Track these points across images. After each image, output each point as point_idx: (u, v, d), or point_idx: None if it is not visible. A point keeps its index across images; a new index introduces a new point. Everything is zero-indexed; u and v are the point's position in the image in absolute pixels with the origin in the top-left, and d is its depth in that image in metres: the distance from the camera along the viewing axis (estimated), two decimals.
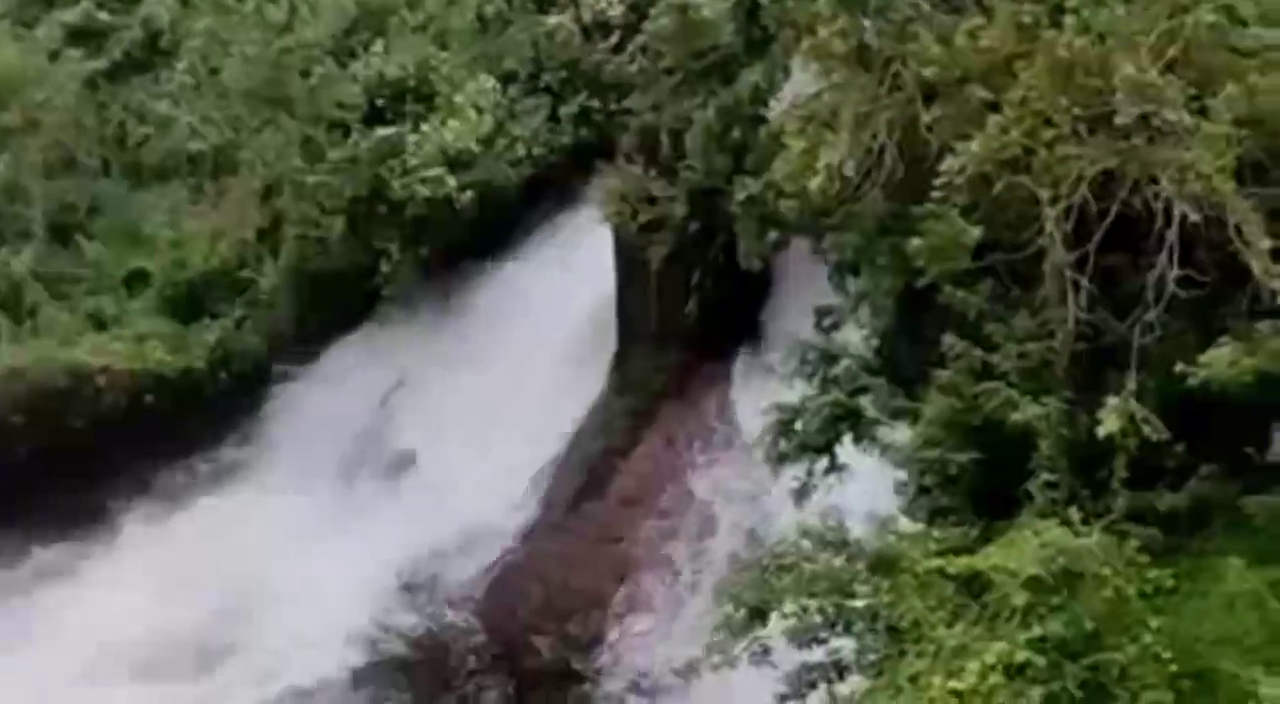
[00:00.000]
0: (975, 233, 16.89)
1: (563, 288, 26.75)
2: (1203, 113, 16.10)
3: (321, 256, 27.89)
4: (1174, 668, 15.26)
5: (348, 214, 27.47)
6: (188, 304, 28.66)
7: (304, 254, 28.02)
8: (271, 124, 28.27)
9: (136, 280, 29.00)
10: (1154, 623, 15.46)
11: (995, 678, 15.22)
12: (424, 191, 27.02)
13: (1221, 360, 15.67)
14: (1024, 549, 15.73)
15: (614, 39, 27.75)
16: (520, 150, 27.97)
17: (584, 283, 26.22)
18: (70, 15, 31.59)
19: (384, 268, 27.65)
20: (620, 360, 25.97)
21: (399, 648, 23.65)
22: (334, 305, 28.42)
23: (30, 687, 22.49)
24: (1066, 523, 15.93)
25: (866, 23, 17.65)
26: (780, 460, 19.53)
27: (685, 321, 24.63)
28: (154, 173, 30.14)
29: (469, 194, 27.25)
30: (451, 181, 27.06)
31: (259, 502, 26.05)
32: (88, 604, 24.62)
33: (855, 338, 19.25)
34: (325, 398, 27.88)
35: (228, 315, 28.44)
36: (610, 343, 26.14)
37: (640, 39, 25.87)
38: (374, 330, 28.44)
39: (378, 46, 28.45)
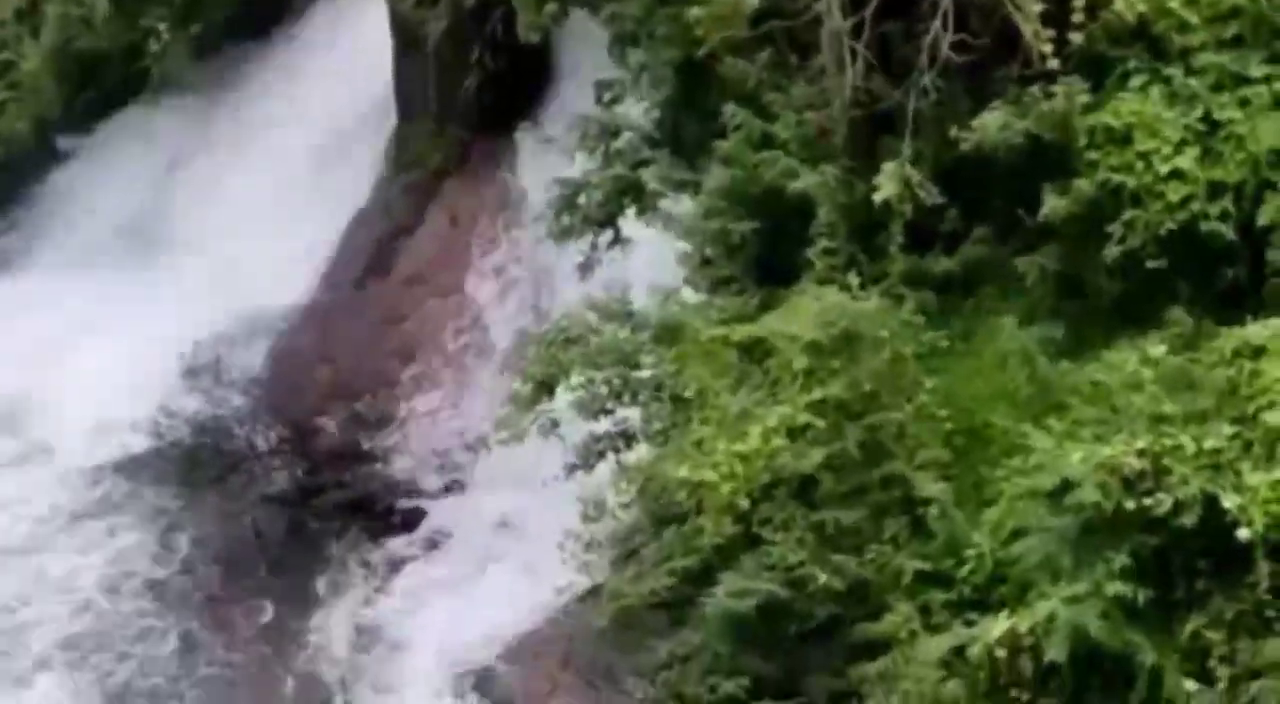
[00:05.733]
0: (754, 1, 16.86)
1: (339, 66, 26.29)
2: None
3: (86, 36, 27.01)
4: (949, 425, 15.71)
5: None
6: None
7: (67, 34, 27.10)
8: None
9: None
10: (930, 383, 15.87)
11: (777, 440, 15.54)
12: None
13: (993, 124, 15.90)
14: (804, 315, 15.99)
15: None
16: None
17: (361, 61, 25.78)
18: None
19: (153, 47, 26.84)
20: (400, 139, 25.67)
21: (184, 433, 23.53)
22: (102, 88, 27.63)
23: None
24: (845, 288, 16.21)
25: None
26: (564, 235, 19.60)
27: (465, 98, 24.38)
28: None
29: None
30: None
31: (32, 290, 25.48)
32: None
33: (636, 111, 19.21)
34: (97, 183, 27.26)
35: None
36: (390, 122, 25.82)
37: None
38: (145, 113, 27.74)
39: None
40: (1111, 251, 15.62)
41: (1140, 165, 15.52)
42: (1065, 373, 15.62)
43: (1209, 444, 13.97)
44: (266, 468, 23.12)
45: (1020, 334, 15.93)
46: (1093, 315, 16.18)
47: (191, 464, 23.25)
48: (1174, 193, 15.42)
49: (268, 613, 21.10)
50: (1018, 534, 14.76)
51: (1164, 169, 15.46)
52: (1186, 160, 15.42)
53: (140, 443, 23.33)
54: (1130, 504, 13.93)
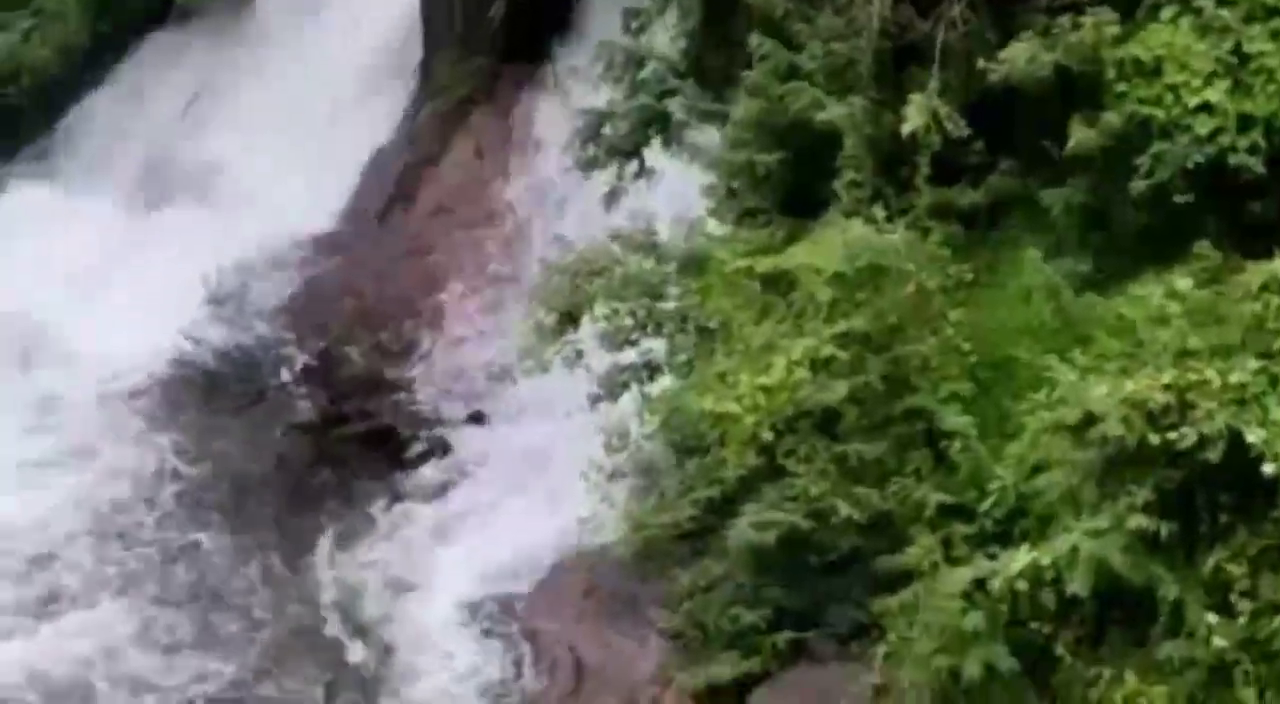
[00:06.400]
0: None
1: None
2: None
3: None
4: (974, 358, 15.70)
5: None
6: None
7: None
8: None
9: None
10: (954, 316, 15.85)
11: (801, 373, 15.54)
12: None
13: (1021, 56, 15.79)
14: (829, 247, 15.94)
15: None
16: None
17: None
18: None
19: None
20: (427, 69, 25.62)
21: (209, 361, 23.60)
22: (128, 15, 27.53)
23: None
24: (871, 221, 16.14)
25: None
26: (589, 165, 19.55)
27: (492, 27, 24.28)
28: None
29: None
30: None
31: (58, 217, 25.50)
32: None
33: (663, 40, 19.12)
34: (124, 110, 27.26)
35: (14, 27, 27.44)
36: (416, 51, 25.75)
37: None
38: (171, 40, 27.70)
39: None
40: (1139, 185, 15.53)
41: (1169, 98, 15.40)
42: (1090, 306, 15.56)
43: (1234, 379, 13.88)
44: (291, 397, 23.20)
45: (1046, 267, 15.86)
46: (1119, 249, 16.10)
47: (216, 392, 23.35)
48: (1203, 126, 15.30)
49: (291, 541, 21.20)
50: (1041, 468, 14.75)
51: (1193, 102, 15.33)
52: (1216, 93, 15.30)
53: (165, 371, 23.41)
54: (1154, 438, 13.86)
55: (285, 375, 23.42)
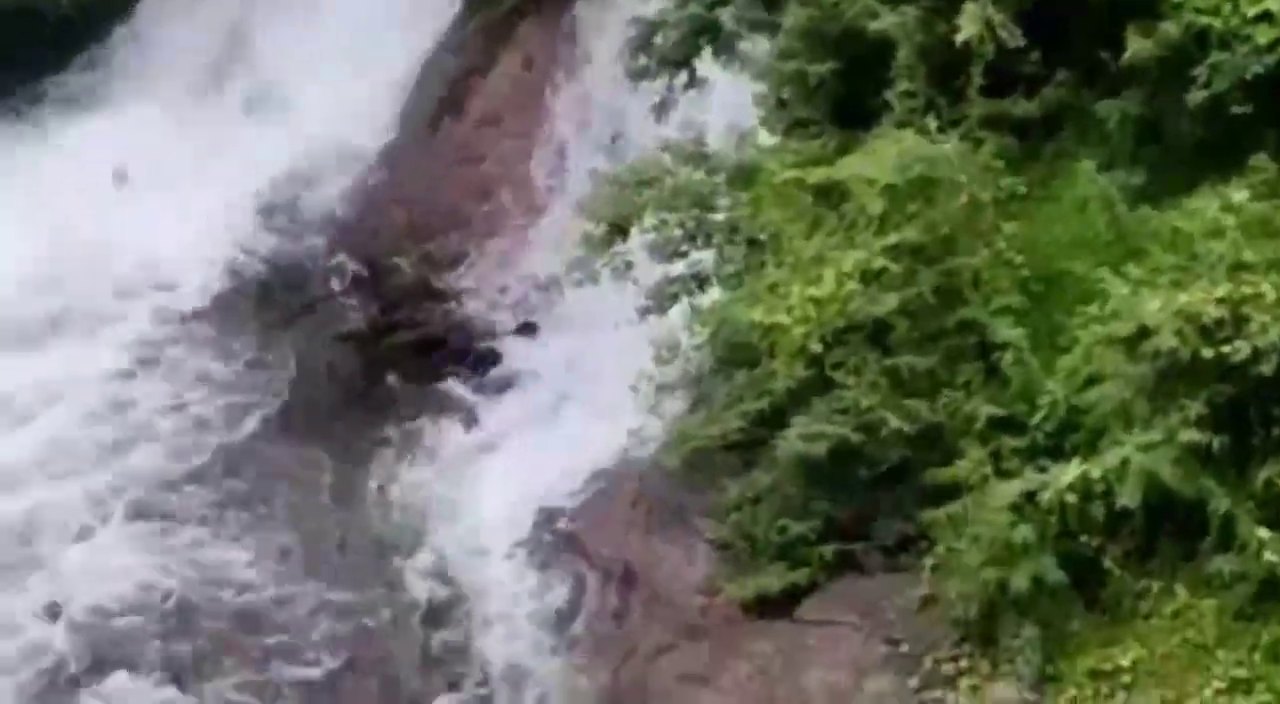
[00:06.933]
0: None
1: None
2: None
3: None
4: (1026, 271, 15.60)
5: None
6: None
7: None
8: None
9: None
10: (1007, 228, 15.74)
11: (852, 285, 15.48)
12: None
13: None
14: (881, 158, 15.81)
15: None
16: None
17: None
18: None
19: None
20: None
21: (260, 272, 23.68)
22: None
23: None
24: (924, 132, 16.00)
25: None
26: (639, 76, 19.45)
27: None
28: None
29: None
30: None
31: (109, 129, 25.54)
32: None
33: None
34: (174, 25, 27.16)
35: None
36: None
37: None
38: None
39: None
40: (1195, 96, 15.34)
41: (1227, 7, 15.16)
42: (1145, 219, 15.43)
43: None
44: (341, 307, 23.27)
45: (1100, 179, 15.71)
46: (1174, 161, 15.94)
47: (267, 303, 23.46)
48: (1262, 35, 15.06)
49: (341, 450, 21.32)
50: (1093, 381, 14.68)
51: (1252, 11, 15.09)
52: (1275, 2, 15.05)
53: (217, 281, 23.52)
54: (1207, 352, 13.79)
55: (335, 286, 23.50)
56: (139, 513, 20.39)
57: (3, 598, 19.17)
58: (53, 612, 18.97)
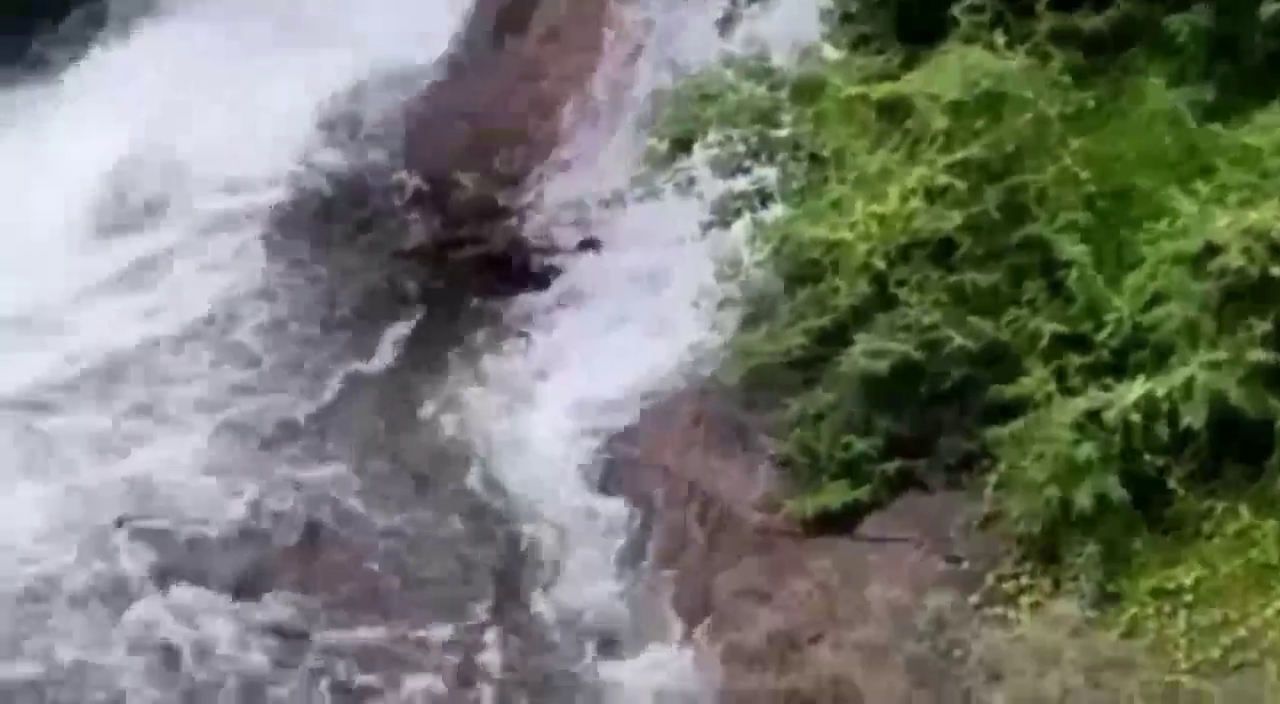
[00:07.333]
0: None
1: None
2: None
3: None
4: (1092, 187, 15.45)
5: None
6: None
7: None
8: None
9: None
10: (1074, 144, 15.58)
11: (916, 201, 15.41)
12: None
13: None
14: (947, 74, 15.69)
15: None
16: None
17: None
18: None
19: None
20: None
21: (322, 186, 23.68)
22: None
23: None
24: (990, 47, 15.84)
25: None
26: None
27: None
28: None
29: None
30: None
31: (168, 41, 25.49)
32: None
33: None
34: None
35: None
36: None
37: None
38: None
39: None
40: (1269, 9, 15.15)
41: None
42: (1214, 136, 15.27)
43: None
44: (403, 223, 23.25)
45: (1169, 95, 15.57)
46: (1245, 76, 15.75)
47: (328, 218, 23.42)
48: None
49: (402, 365, 21.39)
50: (1159, 299, 14.58)
51: None
52: None
53: (279, 196, 23.51)
54: (1276, 270, 13.69)
55: (397, 201, 23.46)
56: (201, 425, 20.49)
57: (74, 504, 19.31)
58: (122, 520, 19.13)
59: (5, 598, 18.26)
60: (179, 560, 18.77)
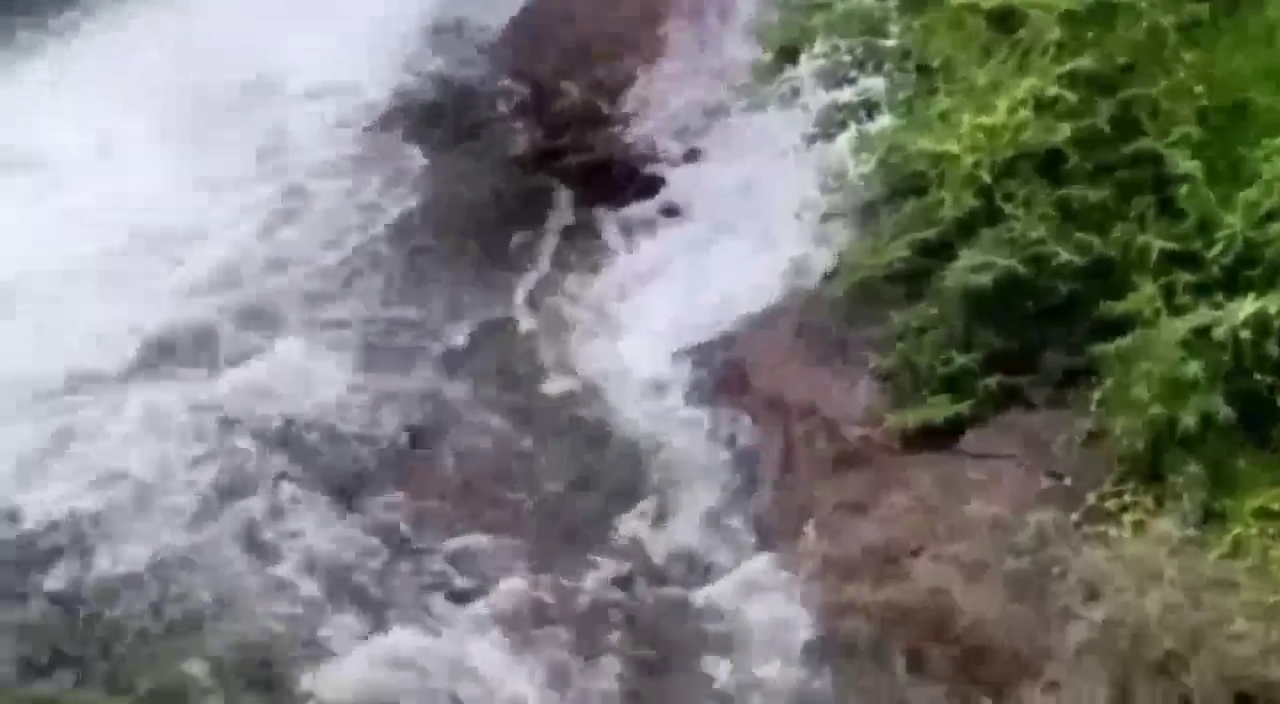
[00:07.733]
0: None
1: None
2: None
3: None
4: (1207, 101, 15.18)
5: None
6: None
7: None
8: None
9: None
10: (1188, 56, 15.29)
11: (1025, 113, 15.21)
12: None
13: None
14: None
15: None
16: None
17: None
18: None
19: None
20: None
21: (427, 92, 23.69)
22: None
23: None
24: None
25: None
26: None
27: None
28: None
29: None
30: None
31: None
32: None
33: None
34: None
35: None
36: None
37: None
38: None
39: None
40: None
41: None
42: None
43: None
44: (507, 130, 23.22)
45: None
46: None
47: (433, 123, 23.42)
48: None
49: (502, 276, 21.39)
50: (1273, 215, 14.33)
51: None
52: None
53: (383, 101, 23.55)
54: None
55: (501, 108, 23.43)
56: (302, 326, 20.62)
57: (178, 404, 19.50)
58: (228, 420, 19.31)
59: (119, 494, 18.49)
60: (287, 461, 18.93)
